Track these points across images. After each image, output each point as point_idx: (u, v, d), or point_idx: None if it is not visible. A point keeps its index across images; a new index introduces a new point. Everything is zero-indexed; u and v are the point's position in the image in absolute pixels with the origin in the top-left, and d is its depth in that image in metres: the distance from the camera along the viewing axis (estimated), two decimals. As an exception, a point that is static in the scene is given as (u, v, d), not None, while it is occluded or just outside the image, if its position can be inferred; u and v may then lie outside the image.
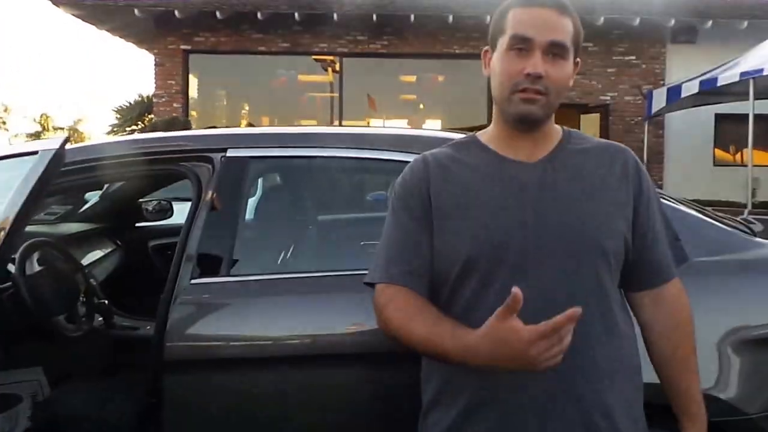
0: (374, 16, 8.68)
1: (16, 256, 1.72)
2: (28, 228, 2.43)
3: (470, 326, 0.93)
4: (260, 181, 2.52)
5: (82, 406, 1.92)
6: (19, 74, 40.13)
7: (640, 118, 8.90)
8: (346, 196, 3.08)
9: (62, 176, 1.63)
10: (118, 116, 13.24)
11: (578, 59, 1.08)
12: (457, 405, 1.04)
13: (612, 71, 9.36)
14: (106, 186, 2.83)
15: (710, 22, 8.80)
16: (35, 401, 1.94)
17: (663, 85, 8.85)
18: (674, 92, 8.07)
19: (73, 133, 22.90)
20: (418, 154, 1.16)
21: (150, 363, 1.53)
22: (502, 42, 1.02)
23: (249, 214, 1.88)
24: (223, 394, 1.45)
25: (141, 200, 2.96)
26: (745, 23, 8.77)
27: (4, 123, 23.41)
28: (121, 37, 10.24)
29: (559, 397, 1.00)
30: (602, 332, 1.02)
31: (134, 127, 12.20)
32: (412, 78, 9.82)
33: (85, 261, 2.39)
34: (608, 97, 9.38)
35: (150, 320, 2.10)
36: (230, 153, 1.64)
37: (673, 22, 8.83)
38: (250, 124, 10.43)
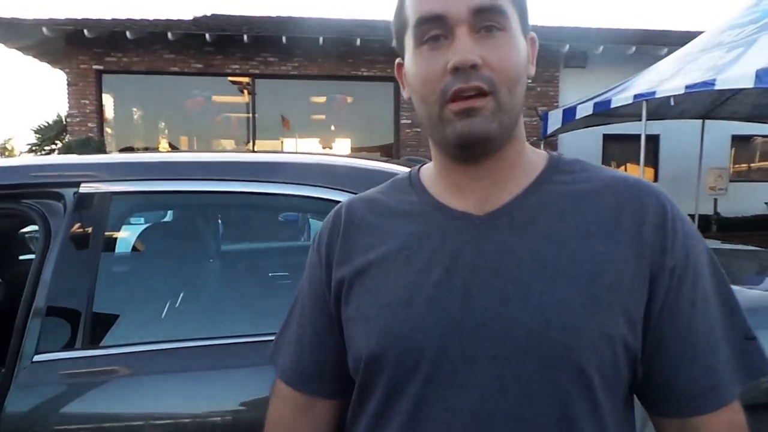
0: (284, 38, 8.93)
1: None
2: None
3: None
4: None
5: None
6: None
7: (535, 138, 9.38)
8: (234, 236, 2.79)
9: None
10: (38, 136, 12.99)
11: (532, 33, 0.74)
12: None
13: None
14: None
15: (601, 48, 9.43)
16: None
17: (557, 106, 9.39)
18: (569, 113, 8.55)
19: (3, 152, 22.23)
20: (284, 183, 1.10)
21: None
22: (409, 39, 0.69)
23: (115, 264, 1.58)
24: None
25: (23, 231, 2.69)
26: (633, 48, 9.46)
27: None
28: (33, 56, 10.15)
29: None
30: None
31: (53, 147, 12.02)
32: (322, 99, 10.09)
33: None
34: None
35: None
36: (84, 189, 1.37)
37: (567, 47, 9.42)
38: (171, 145, 10.48)
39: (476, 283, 0.66)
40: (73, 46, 9.34)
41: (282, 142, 9.97)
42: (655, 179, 10.32)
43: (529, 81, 0.73)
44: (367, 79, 9.49)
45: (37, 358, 1.19)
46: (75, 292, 1.27)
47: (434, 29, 0.66)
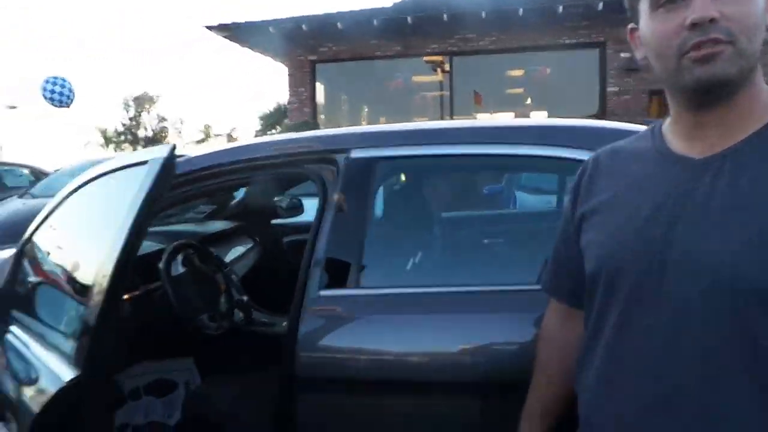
0: (483, 13, 8.94)
1: (163, 258, 1.76)
2: (177, 227, 2.72)
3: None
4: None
5: (223, 401, 1.94)
6: (185, 91, 46.06)
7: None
8: (482, 197, 3.05)
9: (192, 183, 1.61)
10: (262, 122, 14.90)
11: None
12: None
13: None
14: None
15: None
16: (188, 389, 2.06)
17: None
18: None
19: (229, 139, 25.86)
20: (564, 147, 1.23)
21: (282, 373, 1.44)
22: (644, 4, 0.77)
23: (377, 219, 1.74)
24: (354, 414, 1.36)
25: (275, 198, 3.03)
26: None
27: (179, 132, 27.11)
28: (260, 52, 11.60)
29: None
30: (752, 404, 0.69)
31: (273, 131, 13.72)
32: (520, 72, 9.91)
33: (228, 257, 2.44)
34: None
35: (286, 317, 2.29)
36: (354, 154, 1.52)
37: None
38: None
39: (681, 218, 0.74)
40: (292, 40, 10.45)
41: (475, 118, 10.07)
42: None
43: None
44: (569, 47, 9.10)
45: (322, 293, 1.41)
46: (348, 243, 1.45)
47: None
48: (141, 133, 26.94)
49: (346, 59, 10.50)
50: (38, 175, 9.19)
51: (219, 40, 10.83)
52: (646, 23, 0.78)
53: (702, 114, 0.76)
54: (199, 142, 26.03)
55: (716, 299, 0.70)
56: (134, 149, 25.32)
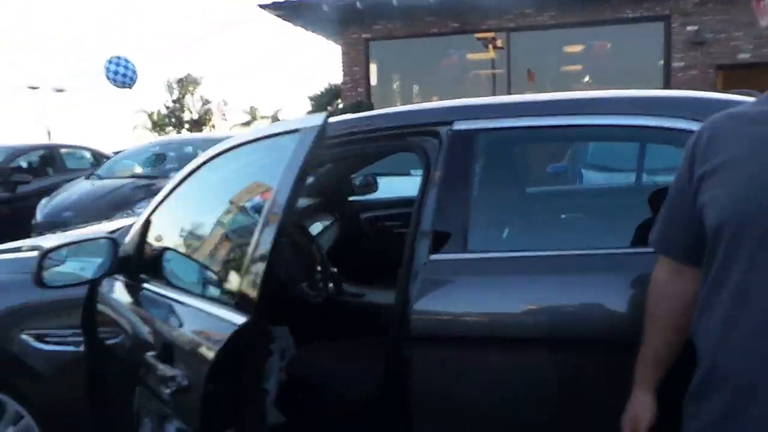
0: (541, -12, 8.76)
1: None
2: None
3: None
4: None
5: (326, 367, 2.02)
6: (230, 72, 46.71)
7: None
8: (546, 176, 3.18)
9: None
10: (313, 103, 15.02)
11: None
12: (723, 396, 0.91)
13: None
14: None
15: None
16: (283, 356, 2.12)
17: None
18: None
19: (274, 121, 26.14)
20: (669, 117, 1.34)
21: (393, 335, 1.53)
22: None
23: (478, 188, 1.85)
24: (466, 371, 1.45)
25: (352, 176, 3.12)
26: None
27: (224, 115, 27.53)
28: (312, 31, 11.66)
29: None
30: None
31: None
32: (578, 48, 9.68)
33: (313, 233, 2.55)
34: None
35: (372, 288, 2.37)
36: (457, 126, 1.59)
37: None
38: (421, 104, 11.21)
39: None
40: (347, 18, 10.45)
41: (534, 96, 9.91)
42: None
43: None
44: (631, 21, 8.84)
45: (432, 257, 1.51)
46: (454, 216, 1.53)
47: None
48: (186, 116, 27.36)
49: (401, 37, 10.45)
50: (98, 157, 9.31)
51: (271, 20, 10.92)
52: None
53: None
54: (244, 124, 26.40)
55: None
56: (178, 133, 25.84)
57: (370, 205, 3.15)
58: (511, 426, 1.43)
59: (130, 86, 10.62)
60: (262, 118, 26.77)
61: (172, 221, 2.05)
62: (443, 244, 1.51)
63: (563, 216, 2.56)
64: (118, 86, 10.61)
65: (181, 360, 1.48)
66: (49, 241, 2.37)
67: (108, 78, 10.43)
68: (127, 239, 1.99)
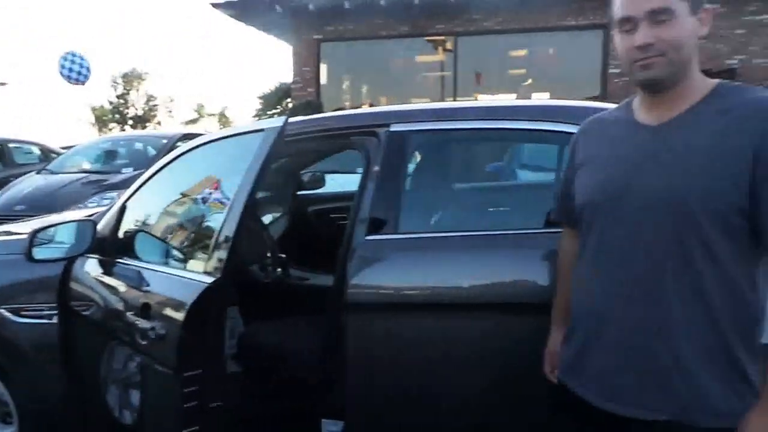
0: (489, -5, 9.10)
1: None
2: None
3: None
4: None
5: (272, 338, 2.21)
6: (178, 68, 45.59)
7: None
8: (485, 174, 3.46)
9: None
10: (262, 102, 14.92)
11: (707, 6, 1.11)
12: (585, 327, 1.22)
13: (741, 33, 8.96)
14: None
15: None
16: (233, 334, 2.24)
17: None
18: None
19: (221, 119, 25.72)
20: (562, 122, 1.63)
21: (332, 306, 1.79)
22: (615, 26, 1.14)
23: (410, 180, 2.07)
24: (396, 334, 1.65)
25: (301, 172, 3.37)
26: None
27: (170, 111, 26.79)
28: (264, 31, 11.65)
29: (630, 351, 1.13)
30: (682, 291, 1.08)
31: (273, 111, 13.76)
32: (522, 52, 10.11)
33: (265, 222, 2.83)
34: (735, 61, 9.00)
35: (317, 273, 2.64)
36: (393, 127, 1.82)
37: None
38: (371, 105, 11.38)
39: (639, 164, 1.12)
40: (299, 19, 10.52)
41: (476, 98, 10.26)
42: None
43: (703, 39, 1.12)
44: (573, 28, 9.33)
45: (367, 237, 1.71)
46: (388, 203, 1.75)
47: (626, 25, 1.10)
48: (131, 112, 26.39)
49: (352, 38, 10.61)
50: (46, 152, 9.14)
51: (224, 19, 10.83)
52: (617, 37, 1.15)
53: (653, 96, 1.15)
54: (190, 122, 25.84)
55: (658, 214, 1.09)
56: (122, 129, 24.97)
57: (318, 198, 3.44)
58: (438, 377, 1.64)
59: (83, 82, 10.37)
60: (209, 115, 26.27)
61: (147, 207, 2.17)
62: (378, 228, 1.71)
63: (482, 205, 2.84)
64: (72, 83, 10.33)
65: (157, 315, 1.67)
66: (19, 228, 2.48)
67: (62, 74, 10.15)
68: (101, 224, 2.12)
